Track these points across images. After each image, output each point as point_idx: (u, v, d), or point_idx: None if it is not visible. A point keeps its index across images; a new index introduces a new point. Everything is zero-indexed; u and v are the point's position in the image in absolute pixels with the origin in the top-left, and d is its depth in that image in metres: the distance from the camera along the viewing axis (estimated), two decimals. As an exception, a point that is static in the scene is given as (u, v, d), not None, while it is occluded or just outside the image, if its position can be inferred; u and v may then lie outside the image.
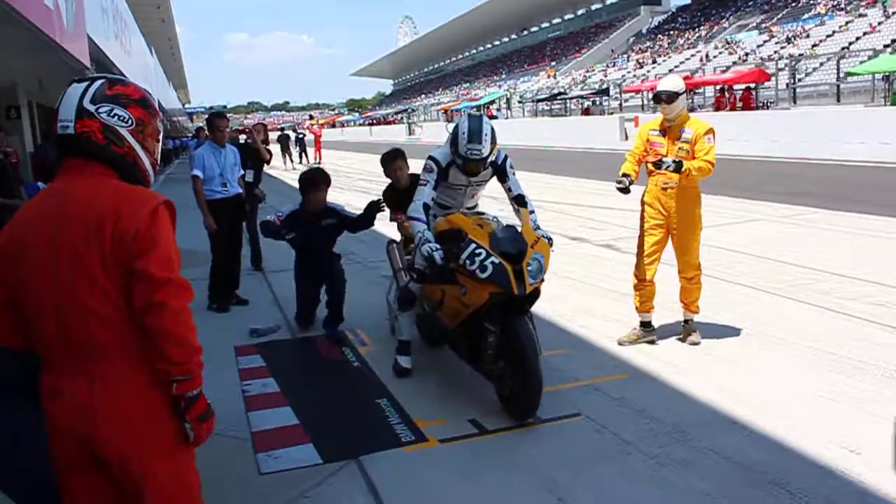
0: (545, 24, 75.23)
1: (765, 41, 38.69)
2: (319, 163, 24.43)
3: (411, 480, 2.98)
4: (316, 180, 4.90)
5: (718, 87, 27.19)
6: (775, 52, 34.73)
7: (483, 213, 4.10)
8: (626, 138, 23.82)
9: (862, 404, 3.42)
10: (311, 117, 56.63)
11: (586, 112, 35.27)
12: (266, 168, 7.89)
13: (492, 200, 5.37)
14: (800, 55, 30.55)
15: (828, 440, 3.08)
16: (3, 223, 2.17)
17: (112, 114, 1.78)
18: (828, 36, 34.67)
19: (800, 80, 27.27)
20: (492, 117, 33.85)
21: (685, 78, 13.10)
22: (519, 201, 3.96)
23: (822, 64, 29.58)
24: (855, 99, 23.35)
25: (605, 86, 38.36)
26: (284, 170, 21.78)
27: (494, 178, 4.07)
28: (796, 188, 11.40)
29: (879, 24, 32.76)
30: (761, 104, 25.17)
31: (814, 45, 33.79)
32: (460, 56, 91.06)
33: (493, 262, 3.39)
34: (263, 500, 2.90)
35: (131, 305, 1.68)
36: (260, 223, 5.15)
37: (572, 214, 9.88)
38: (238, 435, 3.44)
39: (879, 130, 15.26)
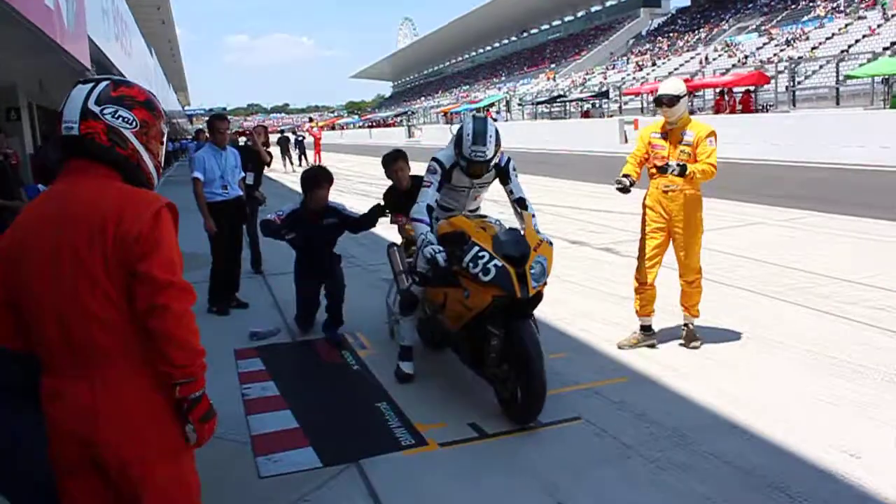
0: (545, 27, 75.30)
1: (764, 43, 38.78)
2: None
3: (411, 484, 2.98)
4: (318, 178, 4.90)
5: (718, 90, 27.21)
6: (775, 54, 34.80)
7: (485, 216, 4.09)
8: (626, 141, 23.82)
9: (862, 408, 3.42)
10: (311, 120, 56.56)
11: (586, 115, 35.30)
12: (266, 171, 7.90)
13: (493, 203, 5.37)
14: (799, 58, 30.61)
15: (828, 444, 3.08)
16: (3, 225, 2.17)
17: (116, 115, 1.78)
18: (827, 38, 34.76)
19: (799, 82, 27.28)
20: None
21: (685, 80, 13.06)
22: (520, 204, 3.96)
23: (821, 66, 29.66)
24: (854, 102, 23.34)
25: (604, 88, 38.45)
26: (284, 172, 21.78)
27: (496, 181, 4.07)
28: (796, 191, 11.40)
29: (879, 26, 32.86)
30: (761, 107, 25.21)
31: (813, 48, 33.88)
32: (460, 58, 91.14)
33: (496, 265, 3.39)
34: (263, 503, 2.90)
35: (133, 308, 1.68)
36: (260, 222, 5.14)
37: (571, 218, 9.86)
38: (238, 438, 3.44)
39: (879, 133, 15.25)
